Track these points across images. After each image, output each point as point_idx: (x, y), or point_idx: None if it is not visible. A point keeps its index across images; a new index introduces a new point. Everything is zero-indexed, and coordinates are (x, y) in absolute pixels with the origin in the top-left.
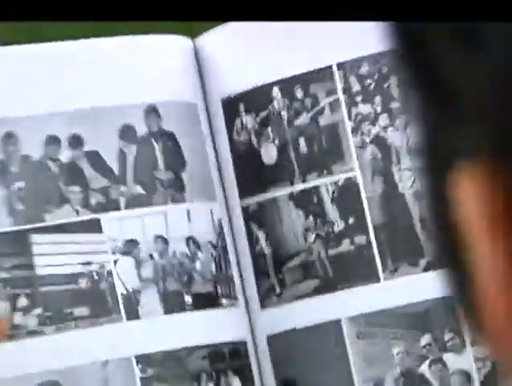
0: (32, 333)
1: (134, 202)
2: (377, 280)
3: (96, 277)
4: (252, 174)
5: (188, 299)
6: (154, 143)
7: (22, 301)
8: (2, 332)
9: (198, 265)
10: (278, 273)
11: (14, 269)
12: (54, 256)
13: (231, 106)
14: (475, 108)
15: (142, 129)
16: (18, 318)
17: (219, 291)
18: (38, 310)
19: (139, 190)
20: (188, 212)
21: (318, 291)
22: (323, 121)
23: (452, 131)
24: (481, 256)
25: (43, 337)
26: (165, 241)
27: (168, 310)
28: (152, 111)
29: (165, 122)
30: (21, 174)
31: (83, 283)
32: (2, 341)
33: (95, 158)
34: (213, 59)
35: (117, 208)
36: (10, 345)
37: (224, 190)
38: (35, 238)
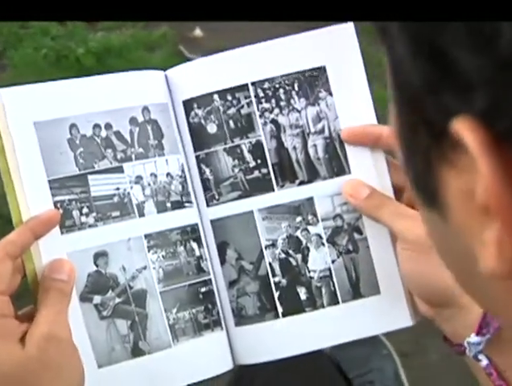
0: (91, 226)
1: (139, 156)
2: (273, 190)
3: (122, 196)
4: (202, 138)
5: (169, 204)
6: (148, 126)
7: (85, 210)
8: (56, 219)
9: (173, 187)
10: (217, 189)
11: (80, 193)
12: (101, 186)
13: (189, 104)
14: None
15: (140, 118)
16: (83, 218)
17: (183, 199)
18: (93, 214)
19: (141, 150)
20: (167, 161)
21: (240, 197)
22: (243, 111)
23: None
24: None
25: (97, 228)
26: (155, 176)
27: (159, 211)
28: (146, 109)
29: (152, 114)
30: (81, 145)
31: (116, 198)
32: (69, 231)
33: (118, 135)
34: (177, 81)
35: (131, 160)
36: (79, 233)
37: (184, 147)
38: (90, 177)
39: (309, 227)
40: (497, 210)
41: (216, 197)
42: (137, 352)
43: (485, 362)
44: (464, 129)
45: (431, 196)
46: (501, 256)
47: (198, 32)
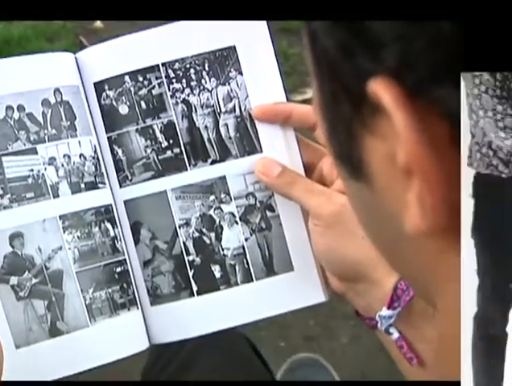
0: (6, 207)
1: (52, 138)
2: (186, 169)
3: (36, 177)
4: (113, 119)
5: (83, 185)
6: (60, 107)
7: (0, 191)
8: None
9: (86, 168)
10: (130, 169)
11: None
12: (15, 168)
13: (100, 85)
14: None
15: (53, 100)
16: None
17: (97, 180)
18: (8, 195)
19: (54, 132)
20: (79, 142)
21: (153, 177)
22: (154, 92)
23: None
24: None
25: (11, 209)
26: (68, 157)
27: (73, 191)
28: (57, 90)
29: (64, 95)
30: None
31: (30, 180)
32: None
33: (31, 116)
34: (88, 63)
35: (44, 141)
36: None
37: (95, 129)
38: (5, 159)
39: (222, 206)
40: (414, 165)
41: (129, 178)
42: (55, 332)
43: (396, 335)
44: (379, 89)
45: (356, 166)
46: (423, 213)
47: (98, 23)
